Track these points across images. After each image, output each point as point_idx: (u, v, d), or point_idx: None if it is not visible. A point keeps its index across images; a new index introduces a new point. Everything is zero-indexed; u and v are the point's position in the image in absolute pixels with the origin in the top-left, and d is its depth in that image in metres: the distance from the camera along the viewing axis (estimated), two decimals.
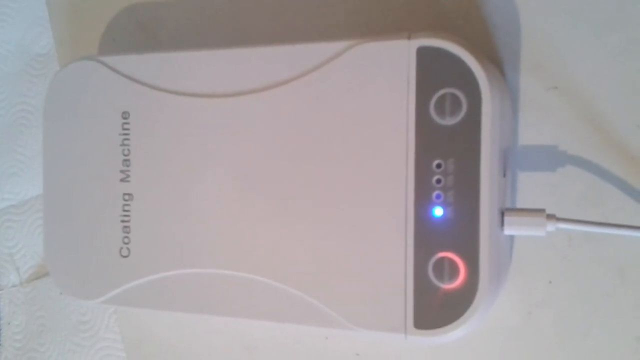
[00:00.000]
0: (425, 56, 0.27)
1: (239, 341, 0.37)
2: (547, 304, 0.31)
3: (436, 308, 0.27)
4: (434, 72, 0.27)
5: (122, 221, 0.33)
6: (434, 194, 0.27)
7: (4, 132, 0.45)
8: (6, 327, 0.45)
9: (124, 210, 0.33)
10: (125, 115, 0.33)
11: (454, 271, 0.27)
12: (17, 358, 0.44)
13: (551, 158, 0.31)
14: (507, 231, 0.28)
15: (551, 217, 0.27)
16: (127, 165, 0.33)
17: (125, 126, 0.33)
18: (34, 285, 0.44)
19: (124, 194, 0.33)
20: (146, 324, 0.40)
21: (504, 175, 0.29)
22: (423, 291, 0.27)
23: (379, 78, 0.28)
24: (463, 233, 0.27)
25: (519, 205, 0.31)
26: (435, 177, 0.27)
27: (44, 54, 0.43)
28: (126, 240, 0.33)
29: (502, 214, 0.28)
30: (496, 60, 0.31)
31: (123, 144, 0.33)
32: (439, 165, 0.27)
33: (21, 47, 0.44)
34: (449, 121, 0.27)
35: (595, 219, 0.29)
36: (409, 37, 0.27)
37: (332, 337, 0.35)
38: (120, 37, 0.40)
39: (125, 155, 0.33)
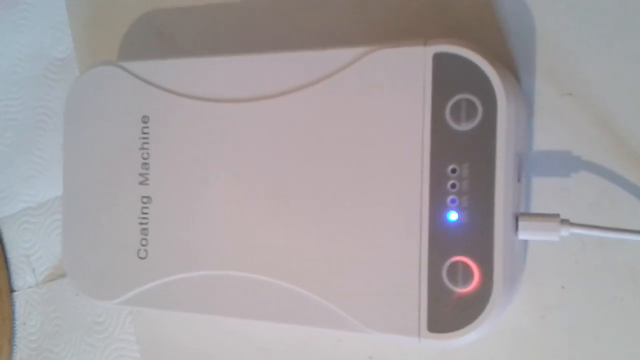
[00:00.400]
0: (441, 62, 0.27)
1: (252, 343, 0.38)
2: (560, 308, 0.31)
3: (450, 311, 0.27)
4: (449, 78, 0.27)
5: (140, 223, 0.34)
6: (449, 198, 0.27)
7: (23, 135, 0.45)
8: (21, 327, 0.45)
9: (143, 213, 0.34)
10: (145, 119, 0.34)
11: (468, 275, 0.27)
12: (31, 359, 0.45)
13: (565, 163, 0.31)
14: (522, 236, 0.28)
15: (565, 222, 0.28)
16: (146, 169, 0.34)
17: (145, 130, 0.33)
18: (49, 287, 0.44)
19: (143, 197, 0.34)
20: (161, 325, 0.40)
21: (519, 180, 0.29)
22: (437, 295, 0.27)
23: (394, 84, 0.28)
24: (477, 237, 0.27)
25: (532, 210, 0.31)
26: (450, 182, 0.27)
27: (63, 58, 0.44)
28: (144, 242, 0.34)
29: (517, 219, 0.28)
30: (511, 66, 0.31)
31: (142, 148, 0.34)
32: (454, 170, 0.27)
33: (40, 51, 0.44)
34: (465, 126, 0.27)
35: (608, 224, 0.29)
36: (425, 44, 0.28)
37: (345, 339, 0.35)
38: (138, 43, 0.40)
39: (144, 159, 0.34)
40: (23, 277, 0.45)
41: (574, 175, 0.31)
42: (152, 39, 0.40)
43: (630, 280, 0.30)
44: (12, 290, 0.46)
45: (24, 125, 0.45)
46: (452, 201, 0.27)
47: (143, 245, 0.34)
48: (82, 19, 0.43)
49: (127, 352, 0.42)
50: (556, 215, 0.28)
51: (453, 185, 0.27)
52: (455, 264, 0.27)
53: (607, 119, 0.30)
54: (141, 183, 0.34)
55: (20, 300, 0.45)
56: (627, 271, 0.30)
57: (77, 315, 0.43)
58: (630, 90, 0.30)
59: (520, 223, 0.28)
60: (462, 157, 0.27)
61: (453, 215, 0.27)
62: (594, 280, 0.30)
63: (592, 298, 0.31)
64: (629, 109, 0.30)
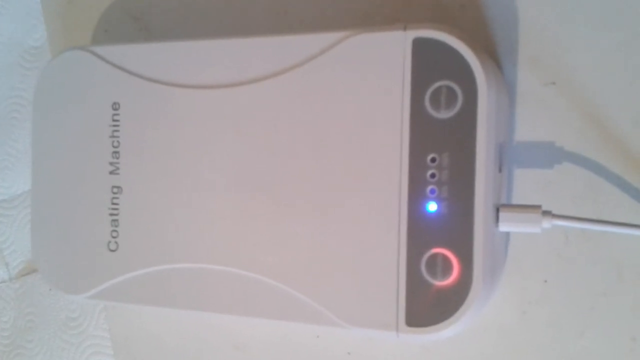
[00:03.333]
0: (421, 48, 0.27)
1: (229, 339, 0.37)
2: (542, 303, 0.31)
3: (428, 305, 0.27)
4: (429, 64, 0.27)
5: (111, 214, 0.33)
6: (428, 188, 0.27)
7: None
8: None
9: (113, 204, 0.33)
10: (115, 106, 0.33)
11: (447, 268, 0.26)
12: (4, 355, 0.44)
13: (548, 154, 0.30)
14: (502, 227, 0.27)
15: (547, 213, 0.27)
16: (117, 158, 0.33)
17: (115, 117, 0.33)
18: (23, 281, 0.44)
19: (113, 187, 0.33)
20: (135, 321, 0.40)
21: (500, 171, 0.28)
22: (415, 288, 0.27)
23: (373, 69, 0.27)
24: (457, 229, 0.26)
25: (514, 201, 0.31)
26: (430, 172, 0.27)
27: (37, 46, 0.43)
28: (114, 234, 0.33)
29: (497, 210, 0.27)
30: (493, 54, 0.31)
31: (113, 136, 0.33)
32: (433, 160, 0.27)
33: (14, 39, 0.44)
34: (445, 114, 0.26)
35: (592, 217, 0.28)
36: (404, 28, 0.27)
37: (324, 335, 0.35)
38: (113, 29, 0.40)
39: (114, 147, 0.33)
40: None
41: (557, 166, 0.30)
42: (128, 24, 0.39)
43: (615, 274, 0.29)
44: None
45: None
46: (432, 191, 0.27)
47: (114, 237, 0.33)
48: (55, 5, 0.42)
49: (101, 348, 0.41)
50: (538, 207, 0.27)
51: (432, 175, 0.27)
52: (434, 256, 0.27)
53: (591, 109, 0.30)
54: (111, 172, 0.33)
55: None
56: (612, 265, 0.29)
57: (51, 311, 0.43)
58: (615, 80, 0.29)
59: (501, 214, 0.27)
60: (442, 146, 0.27)
61: (432, 206, 0.27)
62: (577, 275, 0.30)
63: (576, 292, 0.30)
64: (613, 99, 0.29)
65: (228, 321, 0.37)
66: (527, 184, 0.30)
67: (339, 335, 0.34)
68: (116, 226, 0.33)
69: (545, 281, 0.30)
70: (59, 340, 0.42)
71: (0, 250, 0.44)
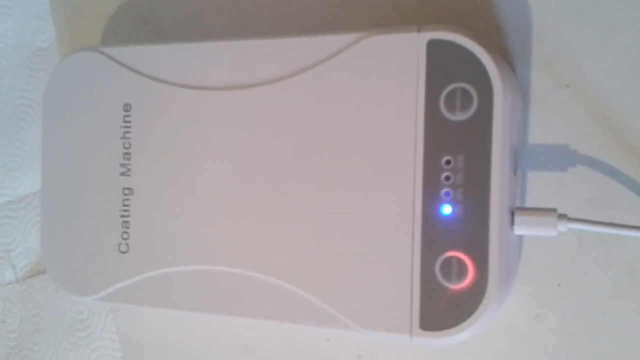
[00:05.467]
0: (435, 50, 0.27)
1: (237, 342, 0.37)
2: (555, 307, 0.30)
3: (443, 309, 0.26)
4: (444, 66, 0.26)
5: (122, 216, 0.33)
6: (443, 191, 0.27)
7: (3, 126, 0.44)
8: (0, 325, 0.44)
9: (124, 205, 0.33)
10: (126, 107, 0.32)
11: (462, 271, 0.26)
12: (11, 357, 0.44)
13: (561, 157, 0.30)
14: (518, 231, 0.27)
15: (563, 217, 0.27)
16: (128, 159, 0.33)
17: (127, 119, 0.32)
18: (29, 283, 0.44)
19: (124, 188, 0.33)
20: (143, 323, 0.40)
21: (515, 174, 0.28)
22: (430, 291, 0.27)
23: (387, 72, 0.27)
24: (472, 232, 0.26)
25: (527, 204, 0.30)
26: (445, 174, 0.27)
27: (45, 48, 0.43)
28: (125, 235, 0.33)
29: (513, 213, 0.27)
30: (506, 57, 0.30)
31: (124, 137, 0.33)
32: (448, 162, 0.26)
33: (21, 41, 0.44)
34: (460, 116, 0.26)
35: (605, 220, 0.28)
36: (418, 30, 0.27)
37: (334, 338, 0.34)
38: (122, 31, 0.39)
39: (126, 149, 0.33)
40: (2, 273, 0.44)
41: (571, 169, 0.30)
42: (136, 26, 0.39)
43: (628, 278, 0.29)
44: None
45: (5, 116, 0.44)
46: (446, 194, 0.27)
47: (124, 239, 0.33)
48: (64, 6, 0.42)
49: (109, 350, 0.41)
50: (553, 210, 0.27)
51: (447, 178, 0.27)
52: (449, 259, 0.26)
53: (605, 112, 0.29)
54: (122, 174, 0.33)
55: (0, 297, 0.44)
56: (625, 268, 0.29)
57: (58, 313, 0.43)
58: (628, 83, 0.29)
59: (517, 217, 0.27)
60: (457, 148, 0.26)
61: (447, 209, 0.27)
62: (590, 278, 0.30)
63: (589, 296, 0.30)
64: (627, 101, 0.29)
65: (237, 324, 0.36)
66: (540, 187, 0.30)
67: (350, 338, 0.34)
68: (127, 228, 0.33)
69: (559, 285, 0.30)
70: (66, 342, 0.42)
71: (7, 251, 0.44)
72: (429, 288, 0.27)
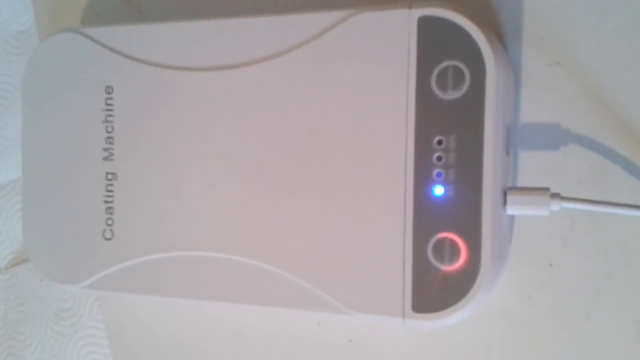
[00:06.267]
0: (426, 27, 0.26)
1: (227, 328, 0.36)
2: (548, 287, 0.30)
3: (436, 291, 0.26)
4: (435, 43, 0.26)
5: (105, 202, 0.32)
6: (435, 171, 0.26)
7: None
8: None
9: (107, 191, 0.32)
10: (108, 89, 0.32)
11: (454, 252, 0.26)
12: None
13: (553, 136, 0.30)
14: (510, 211, 0.27)
15: (556, 196, 0.27)
16: (111, 143, 0.32)
17: (109, 101, 0.32)
18: (13, 272, 0.43)
19: (107, 173, 0.32)
20: (130, 311, 0.39)
21: (507, 154, 0.28)
22: (422, 273, 0.26)
23: (377, 49, 0.27)
24: (464, 213, 0.26)
25: (519, 184, 0.30)
26: (436, 154, 0.26)
27: (24, 31, 0.42)
28: (109, 222, 0.32)
29: (505, 193, 0.27)
30: (498, 34, 0.30)
31: (106, 121, 0.32)
32: (440, 142, 0.26)
33: None
34: (451, 95, 0.26)
35: (599, 199, 0.28)
36: (409, 7, 0.26)
37: (325, 322, 0.34)
38: (104, 11, 0.38)
39: (108, 132, 0.32)
40: None
41: (563, 148, 0.30)
42: (118, 6, 0.38)
43: (621, 257, 0.29)
44: None
45: None
46: (438, 175, 0.26)
47: (109, 225, 0.32)
48: None
49: (95, 339, 0.41)
50: (546, 189, 0.27)
51: (439, 158, 0.26)
52: (441, 240, 0.26)
53: (598, 90, 0.29)
54: (105, 159, 0.32)
55: None
56: (618, 247, 0.29)
57: (43, 302, 0.42)
58: (621, 61, 0.29)
59: (509, 197, 0.27)
60: (449, 127, 0.26)
61: (439, 190, 0.26)
62: (583, 257, 0.30)
63: (582, 276, 0.30)
64: (620, 80, 0.29)
65: (227, 309, 0.36)
66: (532, 166, 0.30)
67: (341, 322, 0.34)
68: (111, 214, 0.32)
69: (551, 265, 0.30)
70: (51, 332, 0.42)
71: None
72: (421, 270, 0.26)
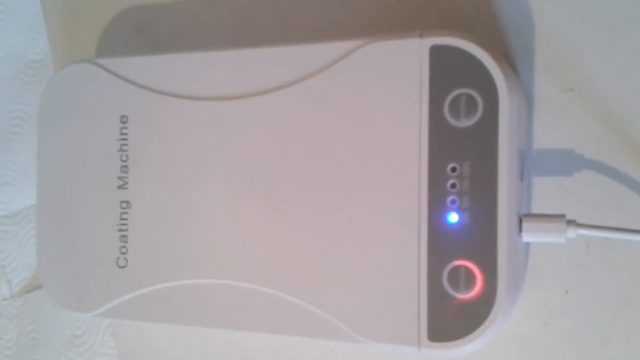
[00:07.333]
0: (438, 55, 0.26)
1: (240, 355, 0.36)
2: (564, 314, 0.30)
3: (451, 319, 0.26)
4: (448, 71, 0.26)
5: (119, 230, 0.32)
6: (449, 199, 0.26)
7: None
8: None
9: (122, 219, 0.32)
10: (123, 119, 0.32)
11: (470, 280, 0.26)
12: None
13: (567, 162, 0.30)
14: (526, 238, 0.27)
15: (571, 222, 0.26)
16: (125, 172, 0.32)
17: (124, 131, 0.32)
18: (26, 299, 0.43)
19: (122, 202, 0.32)
20: (143, 338, 0.39)
21: (522, 180, 0.28)
22: (437, 301, 0.26)
23: (390, 79, 0.27)
24: (480, 240, 0.26)
25: (533, 211, 0.30)
26: (450, 182, 0.26)
27: (39, 60, 0.43)
28: (123, 250, 0.32)
29: (520, 220, 0.27)
30: (510, 60, 0.30)
31: (121, 150, 0.32)
32: (453, 169, 0.26)
33: (14, 53, 0.43)
34: (464, 123, 0.26)
35: (613, 225, 0.28)
36: (421, 36, 0.26)
37: (339, 350, 0.34)
38: (117, 41, 0.39)
39: (123, 161, 0.32)
40: None
41: (577, 174, 0.30)
42: (132, 37, 0.38)
43: (637, 283, 0.29)
44: None
45: None
46: (452, 202, 0.26)
47: (122, 254, 0.32)
48: (58, 17, 0.41)
49: None
50: (562, 216, 0.26)
51: (453, 185, 0.26)
52: (456, 268, 0.26)
53: (611, 116, 0.29)
54: (120, 187, 0.32)
55: None
56: (634, 273, 0.29)
57: (55, 328, 0.42)
58: (634, 86, 0.29)
59: (524, 224, 0.27)
60: (463, 155, 0.26)
61: (453, 217, 0.26)
62: (599, 284, 0.29)
63: (598, 302, 0.29)
64: (633, 105, 0.29)
65: (240, 337, 0.36)
66: (546, 192, 0.30)
67: (356, 350, 0.33)
68: (125, 242, 0.32)
69: (567, 291, 0.30)
70: (64, 358, 0.42)
71: (2, 267, 0.44)
72: (437, 298, 0.26)
